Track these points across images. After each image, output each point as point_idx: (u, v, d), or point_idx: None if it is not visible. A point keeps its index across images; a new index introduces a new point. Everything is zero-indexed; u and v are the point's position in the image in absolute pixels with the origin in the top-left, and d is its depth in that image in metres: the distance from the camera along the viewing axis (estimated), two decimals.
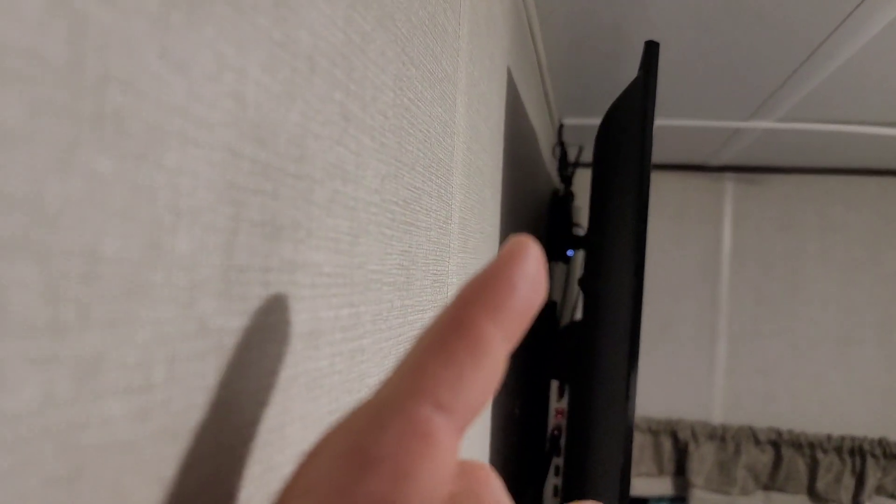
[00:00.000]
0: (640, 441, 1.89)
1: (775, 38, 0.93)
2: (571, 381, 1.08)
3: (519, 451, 0.97)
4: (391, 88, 0.31)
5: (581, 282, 0.98)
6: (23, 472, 0.12)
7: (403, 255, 0.34)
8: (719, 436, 1.85)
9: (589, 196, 0.92)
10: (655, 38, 0.96)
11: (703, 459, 1.84)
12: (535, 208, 1.18)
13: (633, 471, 1.88)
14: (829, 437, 1.80)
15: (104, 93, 0.13)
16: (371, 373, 0.29)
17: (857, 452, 1.79)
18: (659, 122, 1.41)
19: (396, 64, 0.32)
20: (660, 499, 1.96)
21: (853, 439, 1.80)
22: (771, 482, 1.83)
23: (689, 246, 1.97)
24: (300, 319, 0.22)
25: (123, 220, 0.14)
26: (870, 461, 1.78)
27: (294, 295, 0.21)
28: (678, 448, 1.88)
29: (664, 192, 1.98)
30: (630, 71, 1.14)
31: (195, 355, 0.16)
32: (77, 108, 0.12)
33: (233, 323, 0.18)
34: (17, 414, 0.11)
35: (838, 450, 1.80)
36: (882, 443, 1.78)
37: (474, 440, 0.61)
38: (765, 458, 1.83)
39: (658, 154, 1.86)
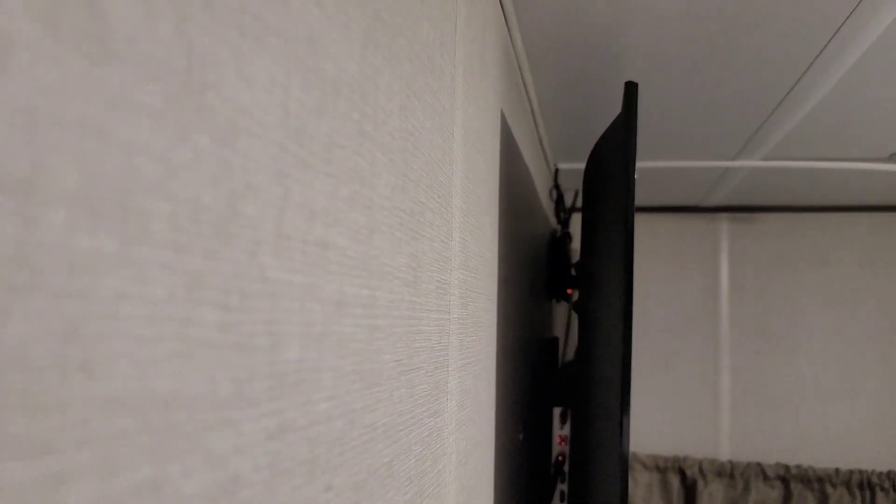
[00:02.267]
0: (647, 479, 1.89)
1: (752, 78, 1.00)
2: (573, 408, 1.12)
3: (526, 475, 1.00)
4: (397, 115, 0.37)
5: (576, 306, 1.03)
6: (157, 340, 0.17)
7: (411, 257, 0.39)
8: (728, 472, 1.85)
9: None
10: (640, 81, 1.04)
11: (712, 498, 1.84)
12: (535, 247, 1.24)
13: None
14: (837, 472, 1.80)
15: (204, 94, 0.19)
16: (385, 350, 0.34)
17: (866, 486, 1.80)
18: (648, 163, 1.48)
19: (401, 96, 0.38)
20: None
21: (861, 472, 1.80)
22: None
23: (689, 284, 2.01)
24: (330, 289, 0.27)
25: (213, 183, 0.19)
26: (879, 494, 1.78)
27: (325, 268, 0.27)
28: (686, 486, 1.88)
29: (661, 234, 2.04)
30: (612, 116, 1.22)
31: (258, 295, 0.22)
32: (189, 101, 0.18)
33: (282, 276, 0.23)
34: (153, 300, 0.17)
35: (847, 484, 1.80)
36: (891, 476, 1.79)
37: (480, 463, 0.65)
38: (774, 494, 1.83)
39: (652, 197, 1.93)
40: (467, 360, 0.57)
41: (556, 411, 1.21)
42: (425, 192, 0.43)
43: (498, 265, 0.76)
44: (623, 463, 0.69)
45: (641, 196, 1.91)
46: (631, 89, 0.73)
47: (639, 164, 1.46)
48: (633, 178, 0.73)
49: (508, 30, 0.85)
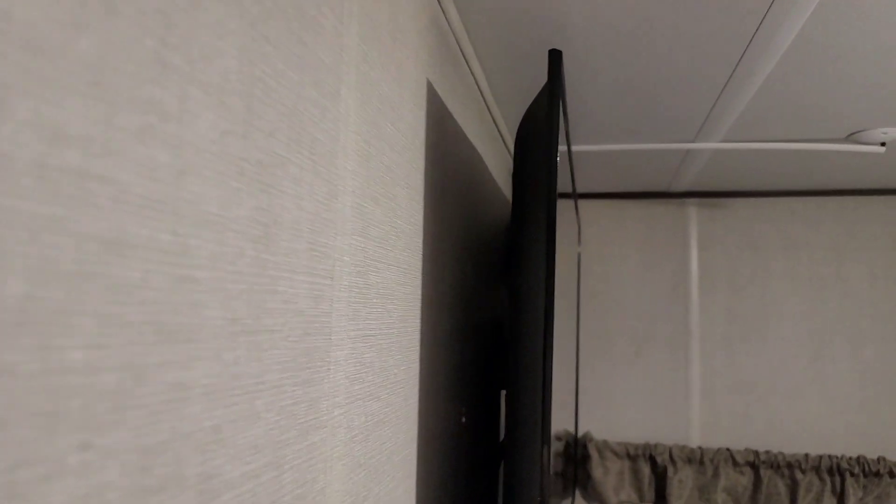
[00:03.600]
0: (618, 467, 1.88)
1: (699, 55, 0.98)
2: (506, 389, 1.09)
3: (469, 458, 0.98)
4: (234, 57, 0.34)
5: (510, 288, 1.00)
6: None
7: (259, 211, 0.37)
8: (698, 459, 1.83)
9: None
10: (588, 66, 1.01)
11: (682, 484, 1.82)
12: (489, 230, 1.21)
13: (614, 499, 1.86)
14: (806, 457, 1.79)
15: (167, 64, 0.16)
16: (207, 304, 0.31)
17: (836, 471, 1.78)
18: (607, 146, 1.45)
19: (240, 37, 0.35)
20: None
21: (831, 458, 1.79)
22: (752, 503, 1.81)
23: (658, 270, 2.00)
24: (95, 225, 0.24)
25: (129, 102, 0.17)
26: (849, 480, 1.77)
27: (86, 200, 0.24)
28: (657, 473, 1.87)
29: (629, 221, 2.02)
30: (570, 99, 1.19)
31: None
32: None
33: None
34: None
35: (817, 469, 1.79)
36: (860, 461, 1.77)
37: (388, 442, 0.62)
38: (744, 480, 1.81)
39: (619, 183, 1.91)
40: (367, 332, 0.55)
41: (503, 394, 1.19)
42: (286, 146, 0.40)
43: (423, 240, 0.73)
44: (545, 443, 0.67)
45: (608, 182, 1.89)
46: (555, 58, 0.71)
47: (597, 148, 1.44)
48: (556, 153, 0.71)
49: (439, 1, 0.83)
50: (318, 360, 0.44)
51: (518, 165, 0.83)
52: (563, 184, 1.52)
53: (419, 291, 0.72)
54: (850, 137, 1.38)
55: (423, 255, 0.74)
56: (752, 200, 1.98)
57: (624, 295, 2.01)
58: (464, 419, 0.95)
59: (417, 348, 0.71)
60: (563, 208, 1.52)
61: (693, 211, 2.00)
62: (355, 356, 0.52)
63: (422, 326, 0.73)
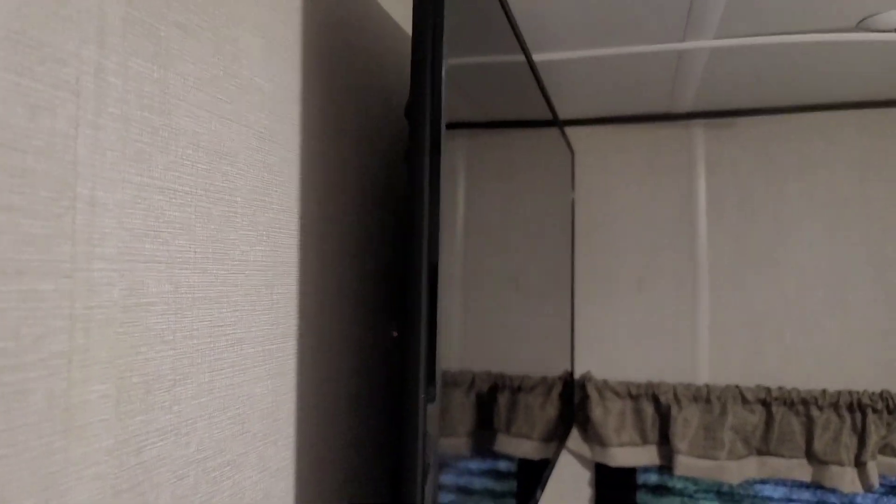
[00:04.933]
0: (619, 407, 1.77)
1: None
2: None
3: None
4: None
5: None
6: None
7: None
8: (704, 397, 1.71)
9: None
10: None
11: (687, 423, 1.71)
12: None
13: (615, 440, 1.76)
14: (824, 393, 1.65)
15: None
16: None
17: (856, 407, 1.64)
18: (587, 52, 1.32)
19: None
20: (647, 469, 1.83)
21: (851, 393, 1.64)
22: (764, 445, 1.69)
23: (662, 199, 1.85)
24: None
25: None
26: (871, 416, 1.63)
27: None
28: (661, 412, 1.75)
29: (631, 147, 1.87)
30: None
31: None
32: None
33: None
34: None
35: (835, 406, 1.64)
36: (884, 396, 1.63)
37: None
38: (754, 418, 1.69)
39: (616, 107, 1.77)
40: (168, 184, 0.45)
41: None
42: None
43: (303, 111, 0.63)
44: (428, 398, 0.57)
45: (600, 106, 1.75)
46: None
47: (563, 55, 1.31)
48: (438, 58, 0.59)
49: None
50: (45, 189, 0.35)
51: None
52: (545, 110, 1.38)
53: (296, 167, 0.62)
54: (860, 25, 1.21)
55: (304, 127, 0.64)
56: (764, 118, 1.81)
57: (625, 227, 1.88)
58: (395, 332, 0.86)
59: (295, 245, 0.62)
60: (550, 138, 1.39)
61: (700, 133, 1.84)
62: (146, 205, 0.43)
63: (305, 206, 0.63)
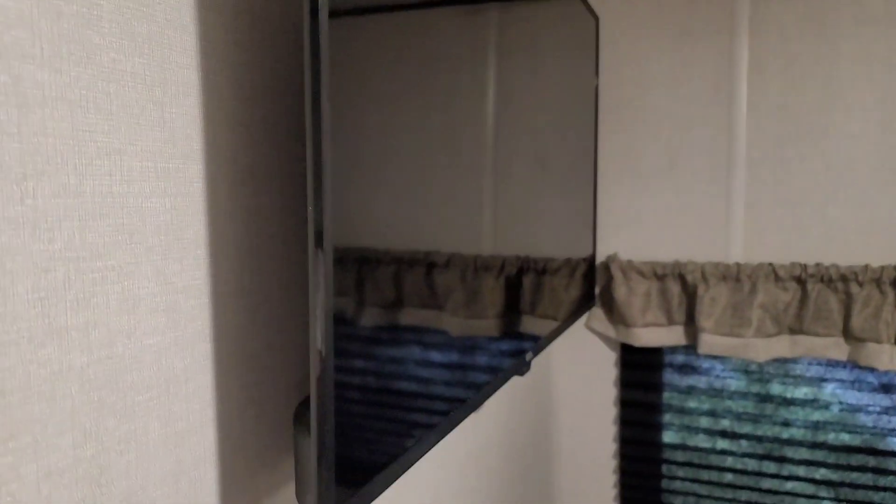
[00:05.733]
0: (645, 287, 1.72)
1: None
2: None
3: None
4: None
5: None
6: None
7: None
8: (734, 276, 1.64)
9: None
10: None
11: (714, 302, 1.64)
12: None
13: (640, 321, 1.72)
14: (866, 268, 1.54)
15: None
16: None
17: None
18: None
19: None
20: (674, 349, 1.79)
21: None
22: (797, 323, 1.61)
23: (697, 66, 1.71)
24: None
25: None
26: None
27: None
28: (688, 292, 1.69)
29: (665, 8, 1.73)
30: None
31: None
32: None
33: None
34: None
35: (877, 281, 1.53)
36: None
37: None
38: (786, 296, 1.60)
39: None
40: None
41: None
42: None
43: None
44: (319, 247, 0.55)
45: None
46: None
47: None
48: None
49: None
50: None
51: None
52: None
53: None
54: None
55: None
56: None
57: (655, 99, 1.76)
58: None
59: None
60: (568, 10, 1.29)
61: None
62: None
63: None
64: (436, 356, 0.83)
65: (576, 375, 1.92)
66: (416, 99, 0.84)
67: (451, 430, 0.84)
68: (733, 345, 1.63)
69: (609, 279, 1.77)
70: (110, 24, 0.53)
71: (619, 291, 1.73)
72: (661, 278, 1.72)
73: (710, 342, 1.64)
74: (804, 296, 1.60)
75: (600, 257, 1.82)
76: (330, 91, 0.57)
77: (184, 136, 0.60)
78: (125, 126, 0.54)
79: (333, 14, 0.57)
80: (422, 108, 0.86)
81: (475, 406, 0.91)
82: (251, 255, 0.69)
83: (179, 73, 0.60)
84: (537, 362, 1.76)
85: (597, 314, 1.83)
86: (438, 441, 0.81)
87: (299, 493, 0.65)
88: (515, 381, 1.59)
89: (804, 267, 1.59)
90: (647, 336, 1.73)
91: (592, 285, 1.76)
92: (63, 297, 0.49)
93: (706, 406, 1.76)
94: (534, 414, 1.75)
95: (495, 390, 0.99)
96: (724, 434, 1.75)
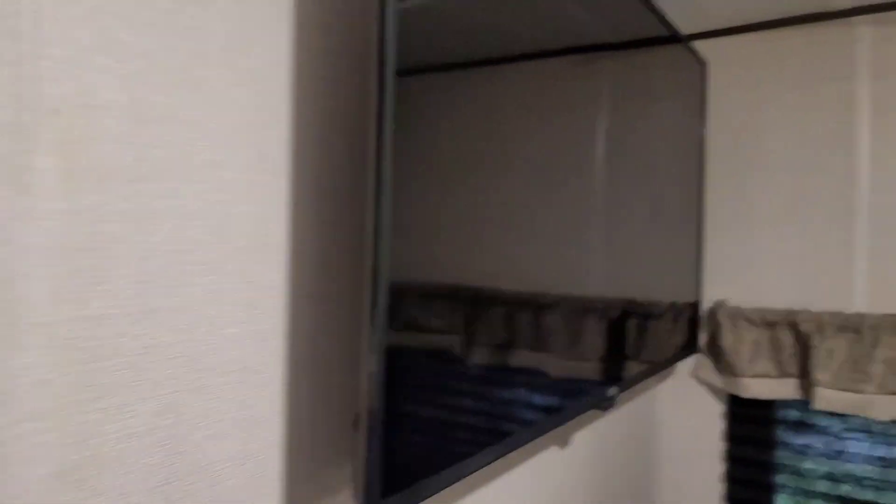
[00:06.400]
0: (753, 336, 1.63)
1: None
2: None
3: None
4: None
5: None
6: None
7: None
8: (853, 326, 1.51)
9: None
10: None
11: (831, 354, 1.53)
12: None
13: (748, 370, 1.63)
14: None
15: None
16: None
17: None
18: None
19: None
20: (788, 404, 1.67)
21: None
22: None
23: (817, 111, 1.64)
24: None
25: None
26: None
27: None
28: (801, 342, 1.58)
29: (783, 54, 1.68)
30: None
31: None
32: None
33: None
34: None
35: None
36: None
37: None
38: None
39: (759, 9, 1.59)
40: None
41: None
42: None
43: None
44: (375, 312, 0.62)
45: (736, 13, 1.59)
46: None
47: None
48: None
49: None
50: None
51: None
52: (682, 22, 1.28)
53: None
54: None
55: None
56: None
57: (769, 145, 1.71)
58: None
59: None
60: (665, 54, 1.32)
61: (866, 32, 1.60)
62: (98, 24, 0.53)
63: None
64: (507, 379, 0.85)
65: (681, 426, 1.84)
66: (531, 146, 0.90)
67: (511, 449, 0.86)
68: (853, 401, 1.50)
69: (716, 326, 1.70)
70: (217, 58, 0.63)
71: (727, 339, 1.66)
72: (771, 326, 1.63)
73: (826, 397, 1.52)
74: None
75: (707, 303, 1.76)
76: (438, 135, 0.64)
77: (273, 155, 0.69)
78: (223, 143, 0.64)
79: (436, 68, 0.64)
80: (538, 155, 0.91)
81: (542, 431, 0.92)
82: (329, 265, 0.76)
83: (273, 102, 0.69)
84: (636, 408, 1.71)
85: (704, 363, 1.76)
86: (493, 458, 0.83)
87: (356, 496, 0.69)
88: (611, 424, 1.55)
89: None
90: (756, 387, 1.63)
91: (695, 331, 1.70)
92: (158, 283, 0.58)
93: (824, 469, 1.62)
94: (633, 461, 1.69)
95: (566, 420, 0.99)
96: (843, 501, 1.60)
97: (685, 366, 1.82)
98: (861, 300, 1.59)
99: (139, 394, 0.57)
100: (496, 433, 0.83)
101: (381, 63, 0.61)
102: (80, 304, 0.53)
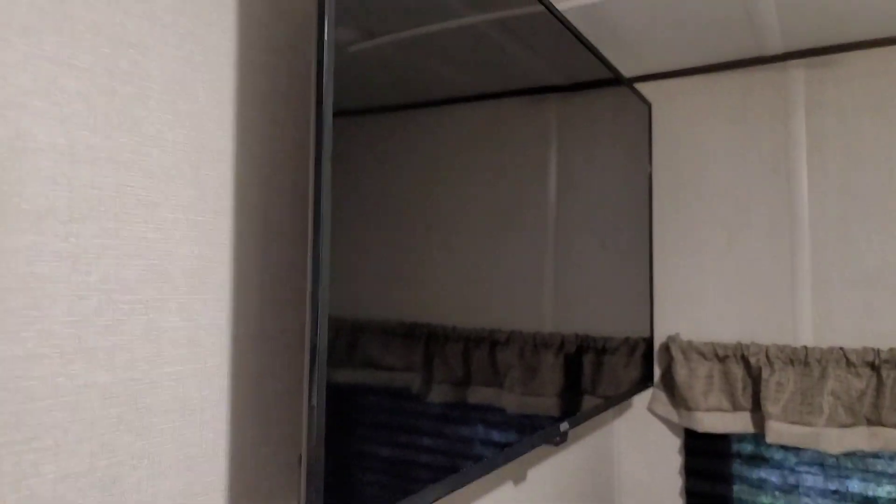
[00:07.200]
0: (706, 369, 1.66)
1: None
2: None
3: None
4: None
5: None
6: None
7: None
8: (801, 359, 1.56)
9: None
10: None
11: (781, 387, 1.56)
12: None
13: (702, 404, 1.66)
14: None
15: None
16: None
17: None
18: None
19: None
20: (742, 438, 1.70)
21: None
22: (874, 413, 1.50)
23: (754, 148, 1.72)
24: None
25: None
26: None
27: None
28: (752, 375, 1.62)
29: (723, 94, 1.76)
30: None
31: None
32: None
33: None
34: None
35: None
36: None
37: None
38: (860, 383, 1.50)
39: (694, 54, 1.68)
40: None
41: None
42: None
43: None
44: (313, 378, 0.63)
45: (678, 57, 1.67)
46: None
47: None
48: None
49: None
50: None
51: None
52: (624, 66, 1.31)
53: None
54: None
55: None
56: (874, 52, 1.62)
57: (711, 180, 1.77)
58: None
59: None
60: (610, 95, 1.38)
61: (799, 73, 1.69)
62: (35, 71, 0.54)
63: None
64: (447, 413, 0.86)
65: (639, 461, 1.85)
66: (483, 185, 0.92)
67: (461, 485, 0.86)
68: (804, 434, 1.53)
69: (670, 360, 1.73)
70: (158, 102, 0.64)
71: (680, 373, 1.68)
72: (722, 360, 1.66)
73: (777, 430, 1.55)
74: (879, 383, 1.50)
75: (660, 337, 1.79)
76: (389, 172, 0.66)
77: (215, 194, 0.70)
78: (162, 184, 0.65)
79: (386, 108, 0.67)
80: (490, 193, 0.94)
81: (493, 466, 0.93)
82: (275, 303, 0.77)
83: (215, 142, 0.70)
84: (593, 442, 1.72)
85: (659, 397, 1.78)
86: (442, 494, 0.83)
87: None
88: (567, 459, 1.56)
89: (877, 352, 1.50)
90: (711, 421, 1.66)
91: (649, 365, 1.72)
92: (94, 322, 0.58)
93: (781, 503, 1.64)
94: (591, 496, 1.69)
95: (518, 455, 0.99)
96: None
97: (642, 400, 1.84)
98: (806, 333, 1.64)
99: (76, 434, 0.56)
100: (445, 469, 0.83)
101: (319, 103, 0.64)
102: (15, 343, 0.53)
